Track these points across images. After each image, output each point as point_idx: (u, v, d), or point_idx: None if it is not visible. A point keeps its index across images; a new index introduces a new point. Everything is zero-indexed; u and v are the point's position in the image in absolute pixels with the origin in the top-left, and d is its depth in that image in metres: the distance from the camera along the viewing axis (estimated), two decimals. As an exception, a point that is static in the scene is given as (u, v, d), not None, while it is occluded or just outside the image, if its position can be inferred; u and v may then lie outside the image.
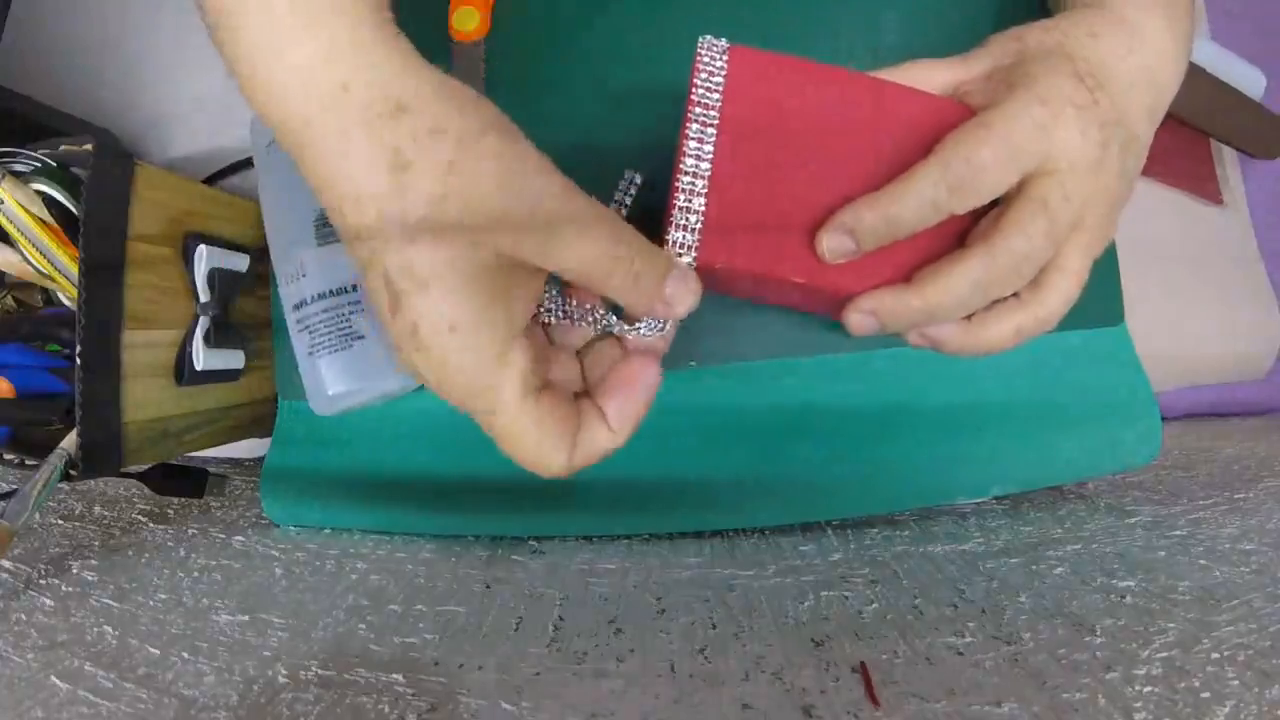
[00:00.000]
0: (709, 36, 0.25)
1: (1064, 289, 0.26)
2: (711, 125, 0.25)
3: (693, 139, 0.25)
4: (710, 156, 0.25)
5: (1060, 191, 0.24)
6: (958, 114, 0.25)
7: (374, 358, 0.34)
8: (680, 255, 0.25)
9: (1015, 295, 0.27)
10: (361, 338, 0.34)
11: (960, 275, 0.25)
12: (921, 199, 0.24)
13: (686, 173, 0.25)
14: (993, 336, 0.27)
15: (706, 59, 0.25)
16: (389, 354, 0.35)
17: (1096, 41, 0.27)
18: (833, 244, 0.25)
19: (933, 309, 0.25)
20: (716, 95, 0.25)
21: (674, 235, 0.25)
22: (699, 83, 0.25)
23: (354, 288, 0.34)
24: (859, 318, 0.26)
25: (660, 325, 0.26)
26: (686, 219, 0.25)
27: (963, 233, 0.26)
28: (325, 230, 0.35)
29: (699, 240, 0.25)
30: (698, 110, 0.25)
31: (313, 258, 0.34)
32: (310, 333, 0.34)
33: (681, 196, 0.25)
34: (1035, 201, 0.24)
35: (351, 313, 0.34)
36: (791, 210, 0.25)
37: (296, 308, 0.35)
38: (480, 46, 0.39)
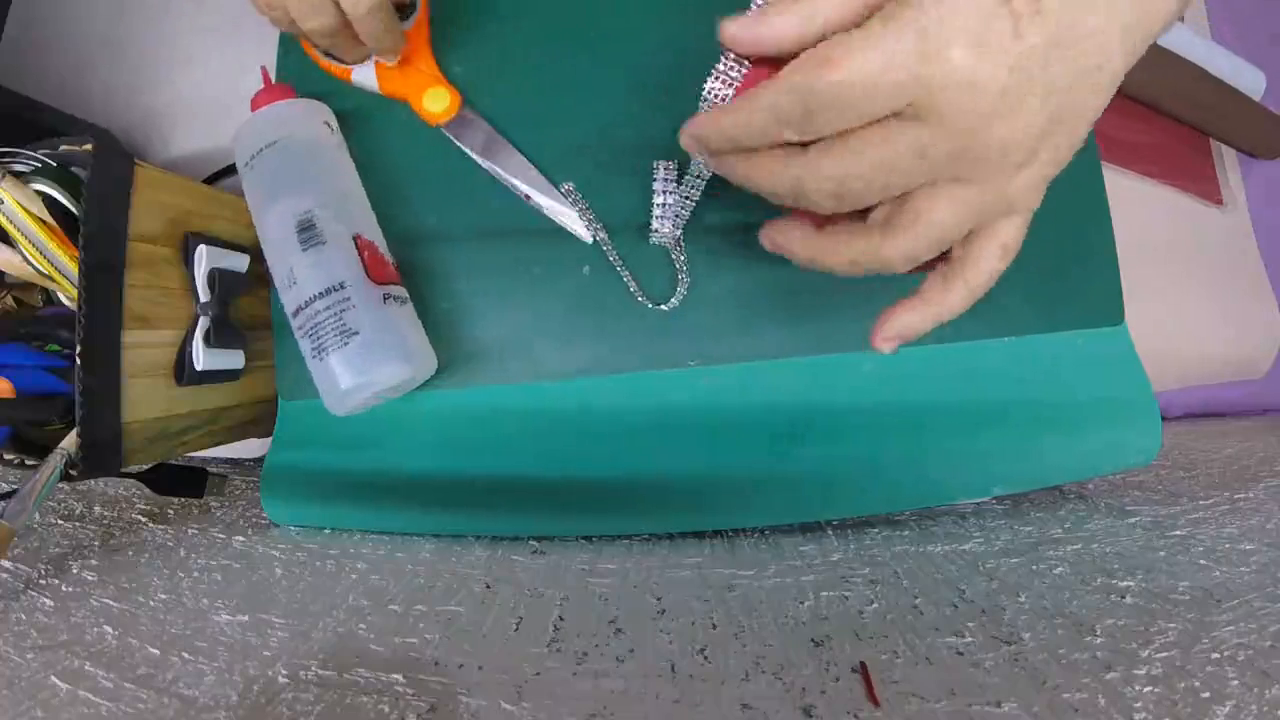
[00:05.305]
0: None
1: (912, 234, 0.24)
2: None
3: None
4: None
5: (916, 141, 0.22)
6: None
7: (374, 349, 0.34)
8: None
9: (864, 219, 0.25)
10: (357, 333, 0.34)
11: (759, 99, 0.23)
12: (760, 122, 0.24)
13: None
14: (830, 256, 0.27)
15: None
16: (387, 344, 0.35)
17: None
18: (685, 142, 0.27)
19: (734, 128, 0.25)
20: None
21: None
22: None
23: (343, 285, 0.35)
24: (683, 138, 0.27)
25: None
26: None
27: None
28: (306, 235, 0.35)
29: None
30: None
31: (299, 264, 0.35)
32: (312, 335, 0.34)
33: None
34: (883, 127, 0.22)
35: (343, 310, 0.34)
36: None
37: (295, 314, 0.35)
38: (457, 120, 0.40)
